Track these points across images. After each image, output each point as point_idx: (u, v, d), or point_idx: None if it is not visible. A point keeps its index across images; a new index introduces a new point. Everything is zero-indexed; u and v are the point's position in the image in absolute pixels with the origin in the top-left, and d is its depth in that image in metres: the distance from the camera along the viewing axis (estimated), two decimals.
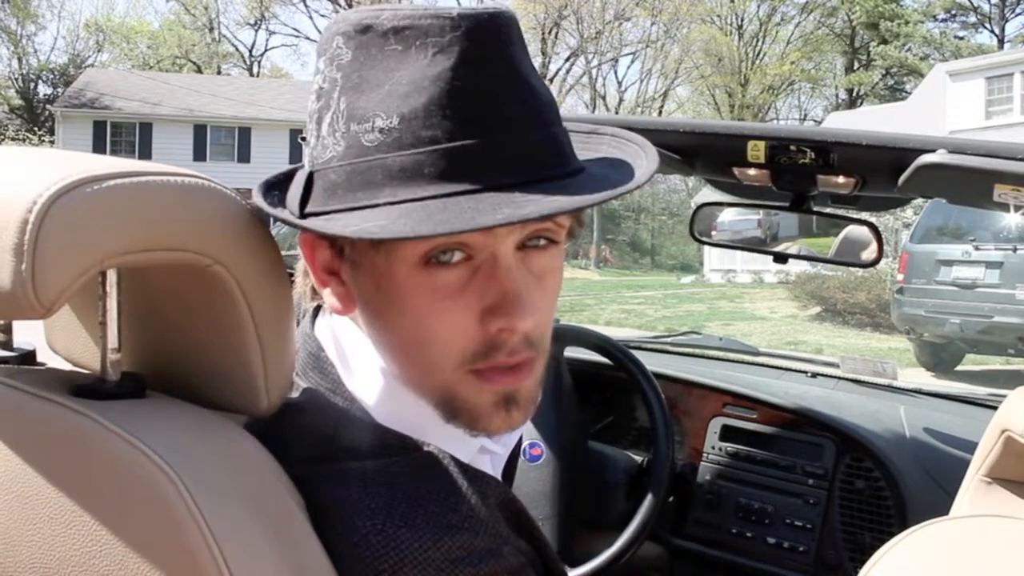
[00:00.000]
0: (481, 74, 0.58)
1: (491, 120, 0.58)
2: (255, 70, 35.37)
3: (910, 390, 1.71)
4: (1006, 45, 28.02)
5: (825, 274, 12.07)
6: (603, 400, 1.67)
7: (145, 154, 21.31)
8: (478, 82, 0.58)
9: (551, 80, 30.56)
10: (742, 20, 33.53)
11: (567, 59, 33.50)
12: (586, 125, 0.73)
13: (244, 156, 22.88)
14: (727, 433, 1.58)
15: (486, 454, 0.72)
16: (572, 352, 1.56)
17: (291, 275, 0.68)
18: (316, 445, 0.63)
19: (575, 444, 1.47)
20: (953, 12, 30.13)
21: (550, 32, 32.16)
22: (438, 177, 0.56)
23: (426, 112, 0.57)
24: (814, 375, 1.80)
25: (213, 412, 0.59)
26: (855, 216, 1.42)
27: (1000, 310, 7.28)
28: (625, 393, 1.64)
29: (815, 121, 32.92)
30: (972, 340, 7.79)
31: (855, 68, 33.09)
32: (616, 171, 0.64)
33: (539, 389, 0.67)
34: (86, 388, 0.56)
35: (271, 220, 0.62)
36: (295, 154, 20.79)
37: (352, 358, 0.67)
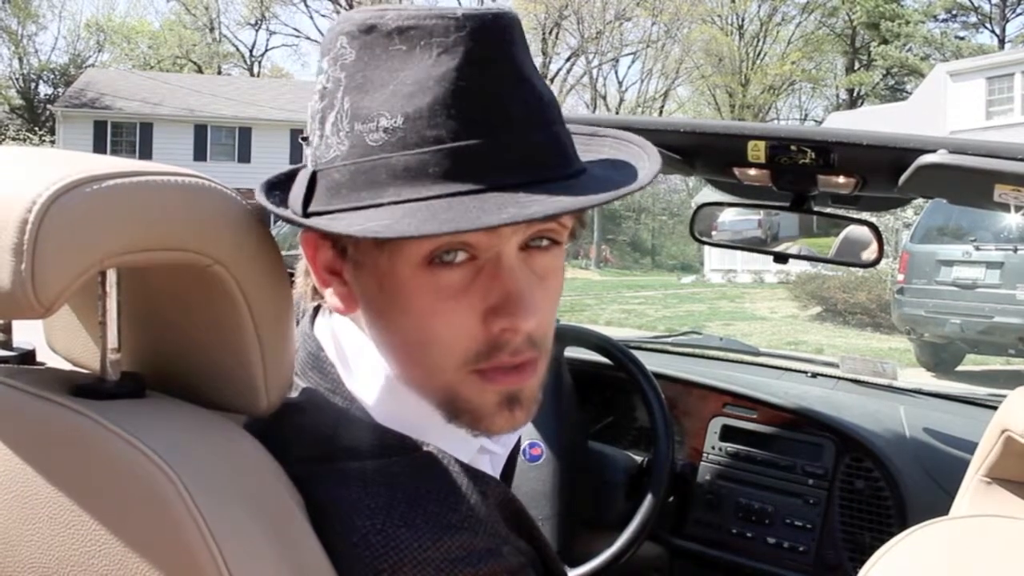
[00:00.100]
0: (485, 74, 0.58)
1: (495, 120, 0.58)
2: (256, 70, 35.37)
3: (910, 390, 1.71)
4: (1007, 45, 28.02)
5: (825, 274, 12.07)
6: (603, 400, 1.67)
7: (146, 154, 21.31)
8: (483, 83, 0.58)
9: (552, 80, 30.56)
10: (743, 20, 33.55)
11: (568, 59, 33.55)
12: (587, 127, 0.73)
13: (244, 156, 22.88)
14: (727, 433, 1.58)
15: (485, 454, 0.72)
16: (572, 352, 1.56)
17: (291, 275, 0.68)
18: (316, 445, 0.63)
19: (575, 444, 1.47)
20: (954, 12, 30.14)
21: (551, 32, 32.17)
22: (442, 177, 0.57)
23: (431, 112, 0.57)
24: (814, 375, 1.80)
25: (213, 412, 0.59)
26: (855, 216, 1.42)
27: (1000, 310, 7.28)
28: (625, 393, 1.64)
29: (816, 121, 32.93)
30: (972, 340, 7.79)
31: (856, 68, 33.09)
32: (618, 172, 0.65)
33: (541, 389, 0.67)
34: (86, 388, 0.56)
35: (272, 220, 0.62)
36: (295, 154, 20.79)
37: (352, 358, 0.67)
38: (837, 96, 34.50)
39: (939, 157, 1.04)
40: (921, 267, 7.90)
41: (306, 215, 0.60)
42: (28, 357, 0.70)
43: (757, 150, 1.20)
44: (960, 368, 8.29)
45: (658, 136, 1.19)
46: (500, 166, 0.57)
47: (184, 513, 0.49)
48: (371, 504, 0.58)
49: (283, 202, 0.64)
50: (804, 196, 1.33)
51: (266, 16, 34.49)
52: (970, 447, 0.99)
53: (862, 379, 1.74)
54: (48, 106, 27.18)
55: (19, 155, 0.56)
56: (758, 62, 33.25)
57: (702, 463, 1.58)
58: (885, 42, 29.79)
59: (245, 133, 23.12)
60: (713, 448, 1.58)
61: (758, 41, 33.48)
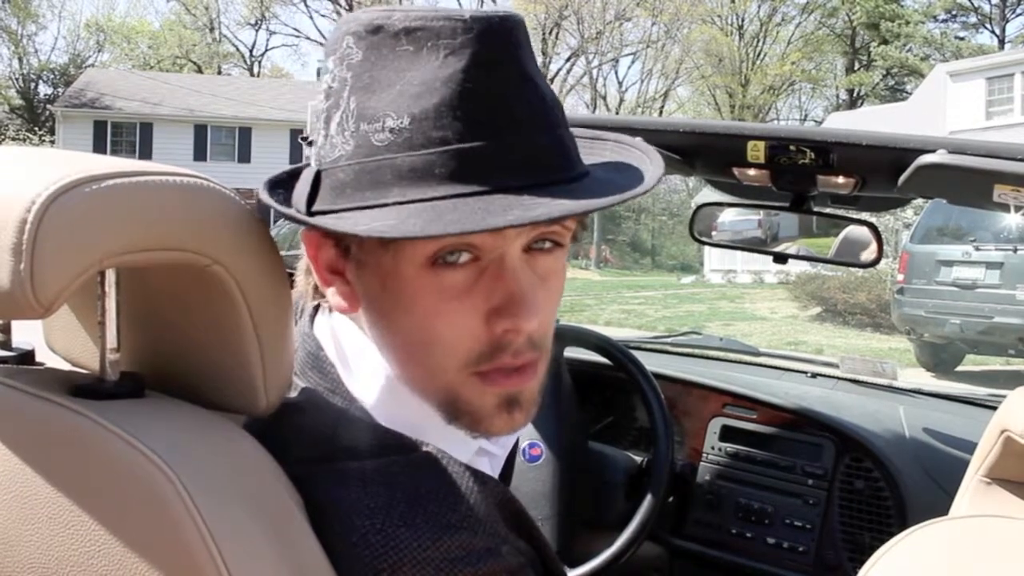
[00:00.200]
0: (492, 76, 0.58)
1: (501, 122, 0.58)
2: (255, 70, 35.39)
3: (910, 390, 1.71)
4: (1007, 45, 28.02)
5: (825, 274, 12.07)
6: (603, 400, 1.67)
7: (145, 154, 21.33)
8: (489, 84, 0.58)
9: (552, 80, 30.58)
10: (743, 20, 33.55)
11: (568, 59, 33.55)
12: (589, 131, 0.73)
13: (244, 156, 22.90)
14: (727, 433, 1.58)
15: (484, 455, 0.72)
16: (572, 352, 1.56)
17: (291, 275, 0.68)
18: (315, 445, 0.63)
19: (575, 444, 1.47)
20: (954, 12, 30.15)
21: (551, 32, 32.18)
22: (448, 178, 0.57)
23: (437, 113, 0.57)
24: (814, 375, 1.80)
25: (212, 412, 0.59)
26: (855, 216, 1.42)
27: (1000, 310, 7.28)
28: (625, 393, 1.64)
29: (815, 121, 32.93)
30: (972, 340, 7.79)
31: (856, 68, 33.09)
32: (621, 175, 0.65)
33: (540, 391, 0.67)
34: (85, 388, 0.56)
35: (272, 220, 0.62)
36: (295, 154, 20.82)
37: (352, 358, 0.67)
38: (837, 96, 34.51)
39: (939, 157, 1.04)
40: (921, 267, 7.90)
41: (310, 214, 0.60)
42: (27, 357, 0.70)
43: (757, 150, 1.20)
44: (960, 368, 8.30)
45: (658, 136, 1.19)
46: (505, 168, 0.58)
47: (183, 513, 0.49)
48: (370, 504, 0.58)
49: (286, 201, 0.64)
50: (804, 196, 1.33)
51: (266, 16, 34.55)
52: (970, 447, 0.99)
53: (862, 379, 1.74)
54: (48, 106, 27.20)
55: (19, 155, 0.56)
56: (758, 62, 33.25)
57: (702, 463, 1.58)
58: (885, 42, 29.79)
59: (245, 133, 23.14)
60: (713, 448, 1.58)
61: (758, 41, 33.49)
